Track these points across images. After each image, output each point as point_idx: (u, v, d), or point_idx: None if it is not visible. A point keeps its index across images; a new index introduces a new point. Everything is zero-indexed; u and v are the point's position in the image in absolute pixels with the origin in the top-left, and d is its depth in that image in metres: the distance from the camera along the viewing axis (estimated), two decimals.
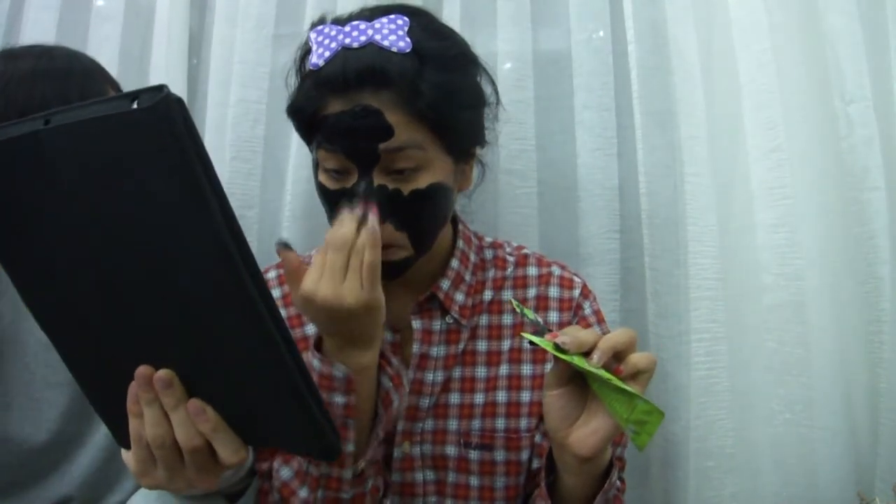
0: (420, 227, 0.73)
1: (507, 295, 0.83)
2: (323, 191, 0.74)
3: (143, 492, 0.75)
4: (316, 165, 0.75)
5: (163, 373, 0.46)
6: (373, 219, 0.67)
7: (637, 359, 0.60)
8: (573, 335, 0.58)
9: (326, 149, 0.71)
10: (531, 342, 0.60)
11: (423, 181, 0.71)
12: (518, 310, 0.64)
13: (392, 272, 0.73)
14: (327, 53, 0.70)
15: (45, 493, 0.89)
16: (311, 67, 0.71)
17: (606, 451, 0.65)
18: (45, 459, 0.88)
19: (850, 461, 0.93)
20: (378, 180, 0.70)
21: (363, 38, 0.69)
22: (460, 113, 0.74)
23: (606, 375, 0.58)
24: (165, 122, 0.36)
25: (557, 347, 0.58)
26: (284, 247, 0.67)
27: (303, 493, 0.71)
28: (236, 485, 0.80)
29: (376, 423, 0.71)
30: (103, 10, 1.13)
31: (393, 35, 0.70)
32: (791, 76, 0.96)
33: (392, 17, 0.71)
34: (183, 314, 0.43)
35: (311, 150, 0.78)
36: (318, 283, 0.63)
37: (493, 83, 0.83)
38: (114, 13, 1.13)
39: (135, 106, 0.36)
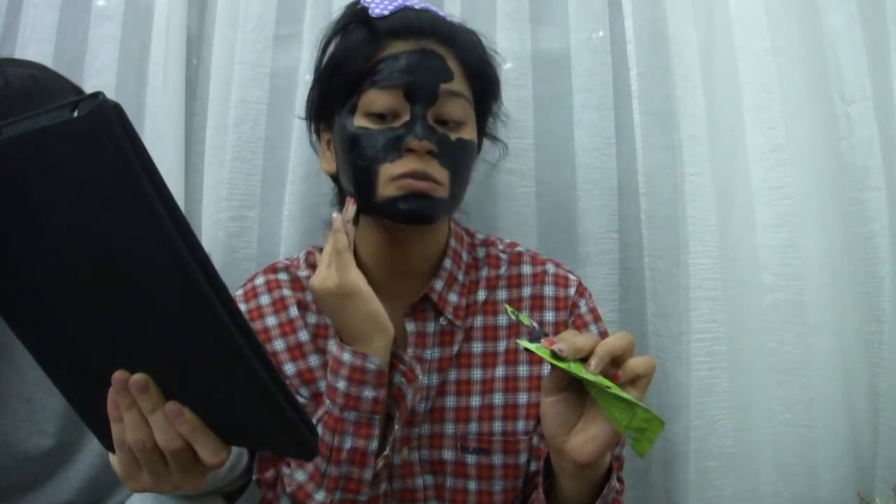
0: (459, 173, 0.77)
1: (502, 295, 0.83)
2: (357, 135, 0.74)
3: (141, 493, 0.75)
4: (351, 113, 0.75)
5: (138, 377, 0.46)
6: (351, 209, 0.72)
7: (636, 364, 0.59)
8: (570, 342, 0.57)
9: (382, 86, 0.73)
10: (527, 349, 0.59)
11: (466, 134, 0.77)
12: (513, 316, 0.63)
13: (431, 209, 0.74)
14: (391, 6, 0.76)
15: (45, 499, 0.89)
16: (374, 17, 0.75)
17: (605, 456, 0.64)
18: (45, 465, 0.88)
19: (850, 461, 0.93)
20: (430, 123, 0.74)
21: (423, 5, 0.79)
22: (494, 85, 0.83)
23: (605, 383, 0.57)
24: (103, 129, 0.36)
25: (554, 355, 0.57)
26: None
27: (319, 496, 0.70)
28: (232, 483, 0.80)
29: (392, 420, 0.72)
30: (103, 10, 1.13)
31: (443, 14, 0.80)
32: (791, 76, 0.96)
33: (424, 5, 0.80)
34: (149, 319, 0.43)
35: (342, 105, 0.77)
36: (314, 275, 0.71)
37: (498, 79, 0.87)
38: (114, 13, 1.13)
39: (74, 115, 0.36)
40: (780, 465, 0.94)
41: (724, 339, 0.95)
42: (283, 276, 0.85)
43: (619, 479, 0.77)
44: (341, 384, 0.69)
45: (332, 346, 0.72)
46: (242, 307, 0.83)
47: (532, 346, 0.59)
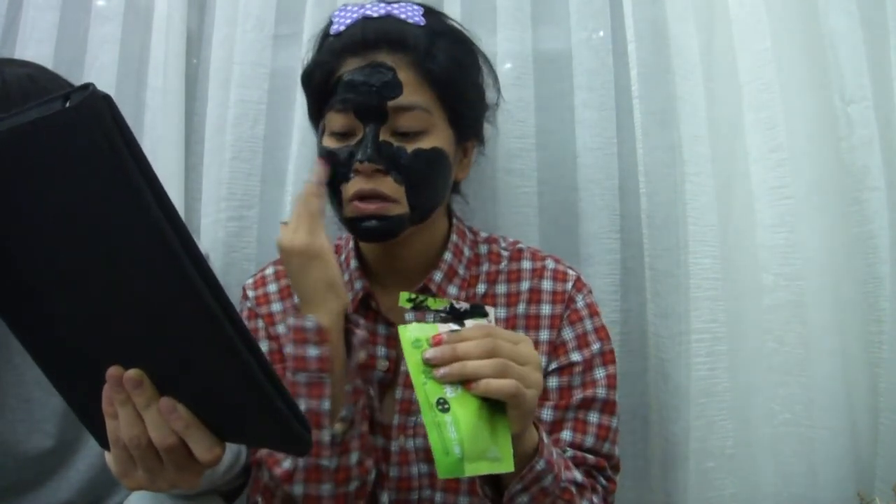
0: (419, 186, 0.75)
1: (501, 289, 0.84)
2: (329, 152, 0.77)
3: (139, 492, 0.75)
4: (322, 133, 0.79)
5: (132, 373, 0.46)
6: (320, 169, 0.73)
7: (487, 385, 0.56)
8: (450, 348, 0.56)
9: (337, 108, 0.75)
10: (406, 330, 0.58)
11: (426, 143, 0.75)
12: (410, 305, 0.62)
13: (387, 228, 0.75)
14: (348, 21, 0.76)
15: (44, 498, 0.89)
16: (331, 34, 0.77)
17: (530, 433, 0.63)
18: (44, 465, 0.88)
19: (850, 461, 0.93)
20: (384, 138, 0.74)
21: (382, 12, 0.76)
22: (467, 86, 0.80)
23: (428, 399, 0.54)
24: (93, 119, 0.37)
25: (417, 344, 0.56)
26: (286, 223, 0.74)
27: (286, 463, 0.71)
28: (231, 482, 0.80)
29: (366, 393, 0.73)
30: (103, 11, 1.13)
31: (410, 12, 0.77)
32: (791, 76, 0.96)
33: (409, 3, 0.78)
34: (142, 313, 0.43)
35: (318, 126, 0.81)
36: (282, 234, 0.71)
37: (496, 79, 0.87)
38: (114, 13, 1.13)
39: (66, 106, 0.37)
40: (780, 466, 0.94)
41: (724, 339, 0.95)
42: None
43: (607, 478, 0.77)
44: (289, 347, 0.70)
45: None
46: (251, 294, 0.87)
47: (411, 331, 0.57)
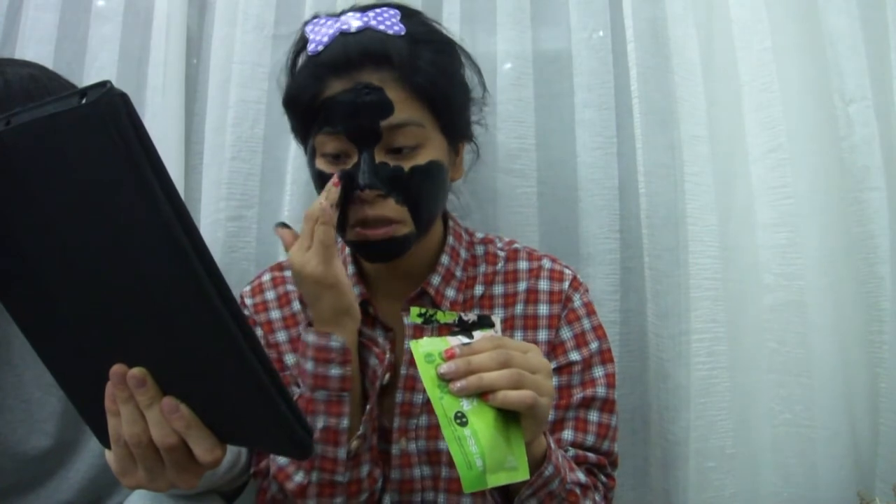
0: (421, 203, 0.75)
1: (498, 290, 0.84)
2: (320, 176, 0.75)
3: (140, 493, 0.75)
4: (312, 154, 0.77)
5: (136, 371, 0.46)
6: (333, 192, 0.71)
7: (504, 396, 0.56)
8: (462, 363, 0.57)
9: (327, 132, 0.73)
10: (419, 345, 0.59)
11: (422, 158, 0.74)
12: (420, 320, 0.63)
13: (395, 249, 0.75)
14: (325, 39, 0.73)
15: (44, 499, 0.89)
16: (309, 54, 0.74)
17: (539, 439, 0.63)
18: (44, 466, 0.88)
19: (850, 461, 0.93)
20: (379, 159, 0.72)
21: (359, 24, 0.73)
22: (454, 92, 0.78)
23: (446, 412, 0.55)
24: (109, 116, 0.37)
25: (429, 358, 0.57)
26: (282, 225, 0.74)
27: (298, 477, 0.72)
28: (231, 483, 0.80)
29: (367, 399, 0.73)
30: (103, 11, 1.13)
31: (388, 21, 0.74)
32: (791, 76, 0.96)
33: (383, 7, 0.76)
34: (149, 311, 0.43)
35: (306, 143, 0.79)
36: (294, 251, 0.69)
37: (479, 73, 0.86)
38: (114, 13, 1.13)
39: (83, 102, 0.37)
40: (780, 465, 0.95)
41: (724, 339, 0.95)
42: (288, 274, 0.87)
43: (608, 475, 0.78)
44: (309, 365, 0.70)
45: (301, 329, 0.73)
46: (249, 301, 0.86)
47: (423, 346, 0.58)
